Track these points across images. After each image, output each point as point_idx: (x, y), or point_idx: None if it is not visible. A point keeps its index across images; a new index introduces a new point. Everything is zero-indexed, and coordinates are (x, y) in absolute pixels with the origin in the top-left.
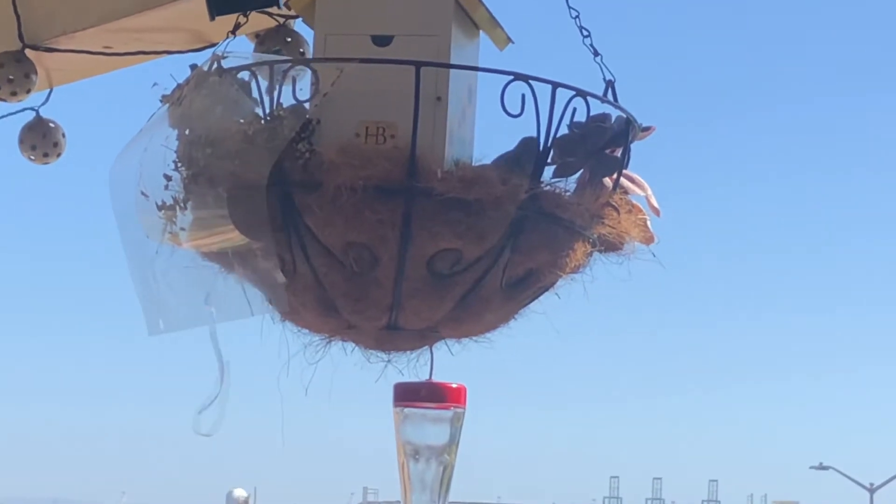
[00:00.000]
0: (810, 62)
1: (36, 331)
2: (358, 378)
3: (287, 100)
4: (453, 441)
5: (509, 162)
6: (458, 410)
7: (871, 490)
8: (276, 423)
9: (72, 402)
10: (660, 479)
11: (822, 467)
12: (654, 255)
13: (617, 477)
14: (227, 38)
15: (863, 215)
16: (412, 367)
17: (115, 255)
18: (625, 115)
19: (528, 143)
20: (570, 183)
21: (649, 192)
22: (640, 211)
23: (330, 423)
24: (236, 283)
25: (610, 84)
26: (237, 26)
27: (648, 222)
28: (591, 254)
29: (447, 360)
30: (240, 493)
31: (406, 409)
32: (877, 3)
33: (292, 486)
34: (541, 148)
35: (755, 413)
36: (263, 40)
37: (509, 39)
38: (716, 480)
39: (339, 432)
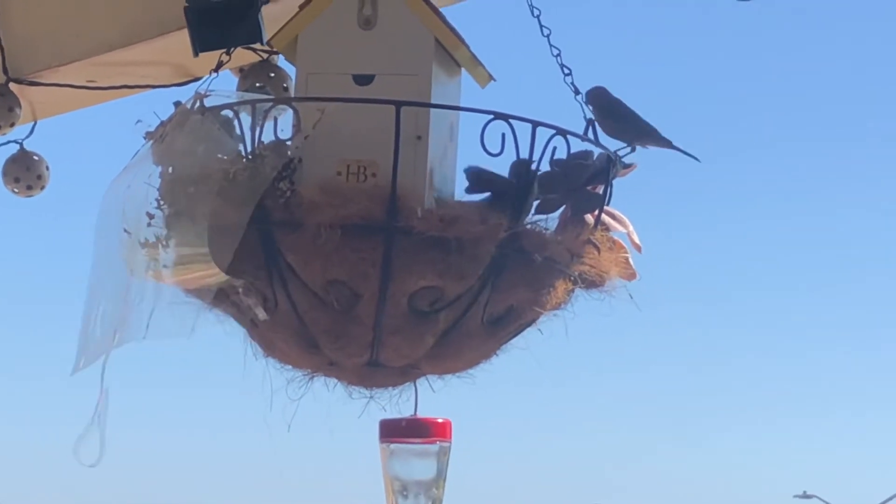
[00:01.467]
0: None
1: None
2: (347, 414)
3: (269, 138)
4: (440, 475)
5: (495, 198)
6: (444, 444)
7: None
8: (263, 454)
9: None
10: None
11: (805, 496)
12: (632, 297)
13: None
14: (210, 75)
15: (863, 243)
16: (395, 402)
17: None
18: (606, 153)
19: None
20: (552, 220)
21: (631, 228)
22: (622, 248)
23: (321, 458)
24: (216, 320)
25: (591, 122)
26: (220, 64)
27: (630, 259)
28: (572, 291)
29: (432, 395)
30: None
31: (392, 445)
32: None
33: None
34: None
35: (738, 441)
36: (247, 75)
37: (491, 77)
38: None
39: (329, 468)
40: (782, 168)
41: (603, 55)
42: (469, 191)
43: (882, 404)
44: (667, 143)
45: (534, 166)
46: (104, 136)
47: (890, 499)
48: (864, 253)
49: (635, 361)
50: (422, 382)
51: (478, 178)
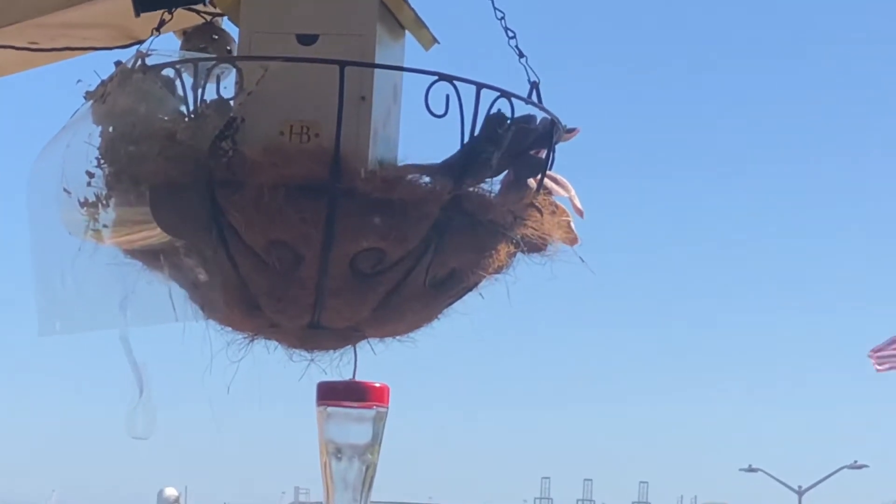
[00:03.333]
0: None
1: None
2: (287, 375)
3: (212, 98)
4: (376, 440)
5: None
6: (381, 410)
7: (800, 492)
8: (205, 421)
9: None
10: (590, 480)
11: (751, 469)
12: (582, 260)
13: (548, 478)
14: (153, 35)
15: (811, 215)
16: (335, 366)
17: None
18: (549, 117)
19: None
20: (495, 184)
21: (573, 193)
22: (564, 212)
23: (261, 421)
24: (159, 283)
25: (535, 86)
26: (162, 23)
27: (572, 223)
28: (514, 255)
29: (372, 359)
30: (171, 492)
31: (329, 408)
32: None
33: (223, 484)
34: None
35: (685, 415)
36: (190, 37)
37: (435, 40)
38: (646, 482)
39: (270, 431)
40: (724, 132)
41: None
42: None
43: (826, 383)
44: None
45: (477, 129)
46: (47, 99)
47: (833, 473)
48: (806, 232)
49: (581, 330)
50: (363, 346)
51: None
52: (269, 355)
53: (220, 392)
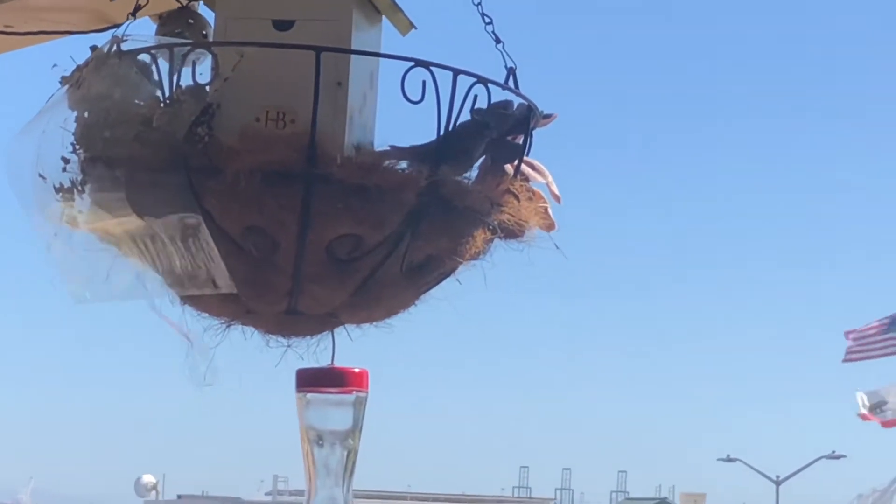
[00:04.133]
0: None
1: None
2: (266, 363)
3: (187, 83)
4: (356, 426)
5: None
6: (361, 395)
7: (778, 482)
8: (184, 409)
9: None
10: (569, 469)
11: (729, 459)
12: (557, 247)
13: (527, 467)
14: (129, 19)
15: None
16: (312, 352)
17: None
18: (526, 103)
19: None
20: (472, 170)
21: (550, 179)
22: (541, 198)
23: (239, 410)
24: (132, 268)
25: (511, 71)
26: (138, 7)
27: (549, 209)
28: (491, 241)
29: (349, 346)
30: (148, 479)
31: (308, 395)
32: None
33: (201, 472)
34: (441, 134)
35: (664, 405)
36: (165, 22)
37: (412, 25)
38: (625, 471)
39: (248, 419)
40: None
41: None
42: None
43: (804, 373)
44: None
45: (454, 114)
46: (21, 84)
47: (811, 463)
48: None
49: (561, 319)
50: (340, 332)
51: None
52: (245, 342)
53: (197, 379)
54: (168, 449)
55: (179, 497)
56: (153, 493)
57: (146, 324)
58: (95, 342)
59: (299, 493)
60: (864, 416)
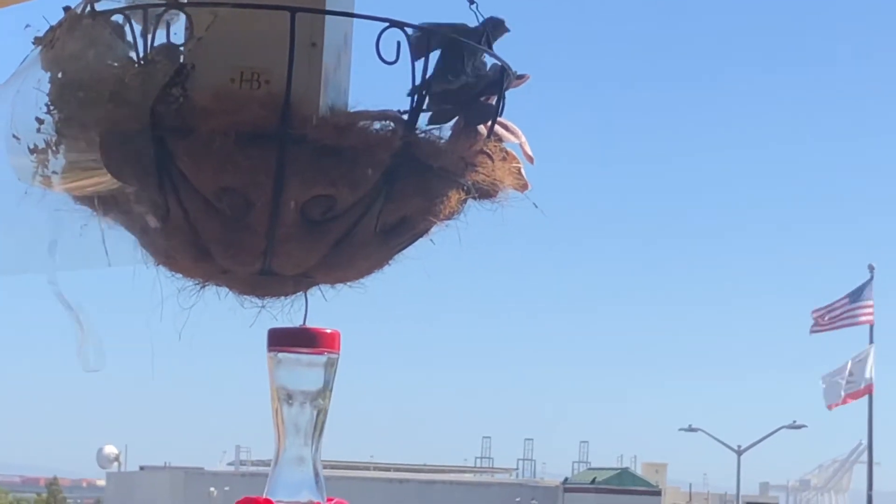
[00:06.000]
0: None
1: None
2: (231, 332)
3: (161, 44)
4: (327, 386)
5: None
6: (332, 356)
7: (739, 452)
8: (147, 379)
9: None
10: (531, 440)
11: (691, 429)
12: (536, 206)
13: (489, 437)
14: None
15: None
16: (286, 312)
17: None
18: (500, 63)
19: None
20: (445, 130)
21: (523, 139)
22: (515, 159)
23: (202, 381)
24: (106, 228)
25: (485, 30)
26: None
27: (522, 170)
28: (465, 201)
29: (324, 306)
30: (110, 449)
31: (280, 354)
32: None
33: (163, 443)
34: (415, 95)
35: (626, 376)
36: None
37: None
38: (587, 442)
39: (211, 390)
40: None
41: None
42: None
43: (763, 346)
44: None
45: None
46: None
47: (772, 433)
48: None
49: (527, 293)
50: (314, 292)
51: None
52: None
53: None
54: (130, 420)
55: (142, 468)
56: (115, 463)
57: (109, 290)
58: (47, 311)
59: (262, 462)
60: (832, 406)
